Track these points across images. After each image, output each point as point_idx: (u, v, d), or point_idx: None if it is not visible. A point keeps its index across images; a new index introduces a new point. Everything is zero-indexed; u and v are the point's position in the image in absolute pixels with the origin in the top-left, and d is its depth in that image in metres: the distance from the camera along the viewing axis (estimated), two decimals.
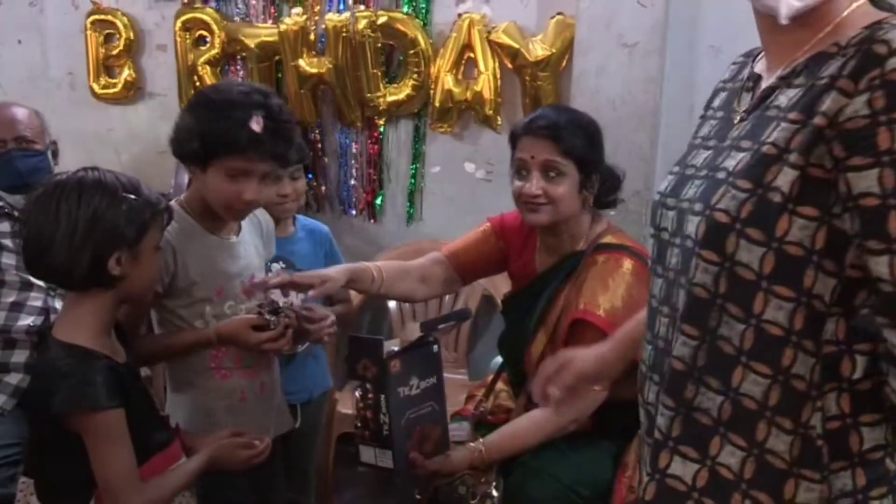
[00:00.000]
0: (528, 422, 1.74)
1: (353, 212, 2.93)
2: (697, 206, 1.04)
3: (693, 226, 1.04)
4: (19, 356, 2.02)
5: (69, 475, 1.39)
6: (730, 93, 1.15)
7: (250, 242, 1.74)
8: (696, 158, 1.11)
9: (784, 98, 1.01)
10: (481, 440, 1.74)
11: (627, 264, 1.73)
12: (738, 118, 1.08)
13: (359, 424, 1.65)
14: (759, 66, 1.10)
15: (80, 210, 1.34)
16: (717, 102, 1.18)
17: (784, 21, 1.01)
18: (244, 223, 1.73)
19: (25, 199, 1.44)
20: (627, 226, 2.44)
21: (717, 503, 1.04)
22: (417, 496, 1.80)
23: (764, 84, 1.07)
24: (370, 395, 1.61)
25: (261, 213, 1.79)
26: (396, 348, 1.67)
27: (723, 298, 1.00)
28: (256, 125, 1.51)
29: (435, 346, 1.69)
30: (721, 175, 1.03)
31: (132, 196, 1.37)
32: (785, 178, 0.95)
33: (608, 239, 1.78)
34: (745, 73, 1.14)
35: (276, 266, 1.93)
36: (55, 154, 2.18)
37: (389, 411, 1.59)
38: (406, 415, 1.62)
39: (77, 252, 1.33)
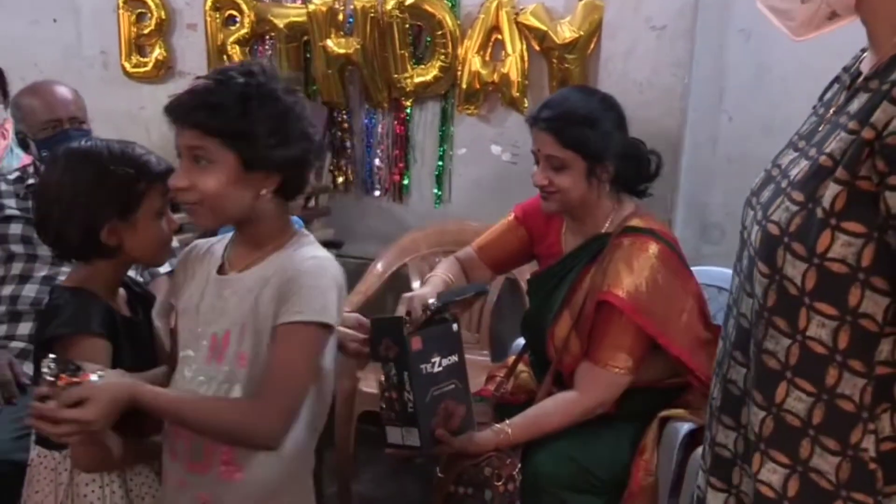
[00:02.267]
0: (554, 404, 1.75)
1: (379, 192, 2.94)
2: (759, 214, 1.01)
3: (754, 234, 1.02)
4: (24, 329, 2.07)
5: None
6: (840, 87, 1.06)
7: (253, 287, 1.32)
8: (784, 158, 1.06)
9: (857, 104, 0.95)
10: (507, 422, 1.75)
11: (653, 248, 1.73)
12: (825, 120, 1.02)
13: (384, 406, 1.65)
14: (865, 63, 1.01)
15: (68, 182, 1.35)
16: (828, 95, 1.09)
17: (797, 38, 1.02)
18: (264, 263, 1.34)
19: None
20: (652, 209, 2.45)
21: None
22: (440, 475, 1.82)
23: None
24: (394, 375, 1.62)
25: (288, 264, 1.32)
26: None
27: (769, 312, 0.98)
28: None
29: (454, 325, 1.70)
30: (784, 183, 1.00)
31: (121, 167, 1.36)
32: (829, 193, 0.91)
33: (635, 222, 1.78)
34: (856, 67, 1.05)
35: None
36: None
37: (413, 389, 1.59)
38: (430, 392, 1.62)
39: (68, 223, 1.35)
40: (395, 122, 2.85)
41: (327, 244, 2.80)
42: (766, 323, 0.98)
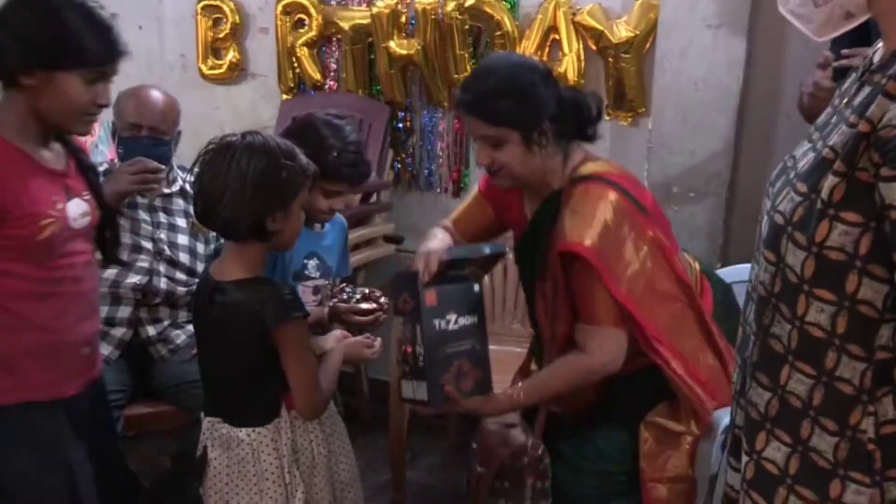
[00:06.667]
0: (562, 364, 1.71)
1: (439, 189, 3.02)
2: (769, 204, 1.05)
3: (764, 223, 1.05)
4: (124, 311, 2.22)
5: (263, 393, 1.59)
6: (855, 77, 1.07)
7: None
8: (799, 149, 1.08)
9: (860, 96, 0.97)
10: (518, 384, 1.74)
11: (599, 191, 1.66)
12: (836, 111, 1.04)
13: (400, 359, 1.67)
14: (878, 55, 1.02)
15: (248, 172, 1.49)
16: (845, 85, 1.10)
17: (819, 39, 1.05)
18: None
19: (197, 156, 1.57)
20: (707, 210, 2.45)
21: (762, 496, 1.05)
22: (480, 469, 1.84)
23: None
24: (409, 329, 1.62)
25: None
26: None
27: (776, 298, 1.01)
28: None
29: (476, 286, 1.68)
30: (792, 174, 1.03)
31: (290, 162, 1.54)
32: (827, 184, 0.93)
33: (582, 170, 1.71)
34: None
35: (311, 263, 1.93)
36: (177, 142, 2.35)
37: (424, 343, 1.60)
38: (442, 348, 1.62)
39: (243, 209, 1.50)
40: (455, 121, 2.92)
41: (388, 239, 2.91)
42: (772, 309, 1.02)
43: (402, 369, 1.66)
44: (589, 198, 1.66)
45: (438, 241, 1.82)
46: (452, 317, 1.63)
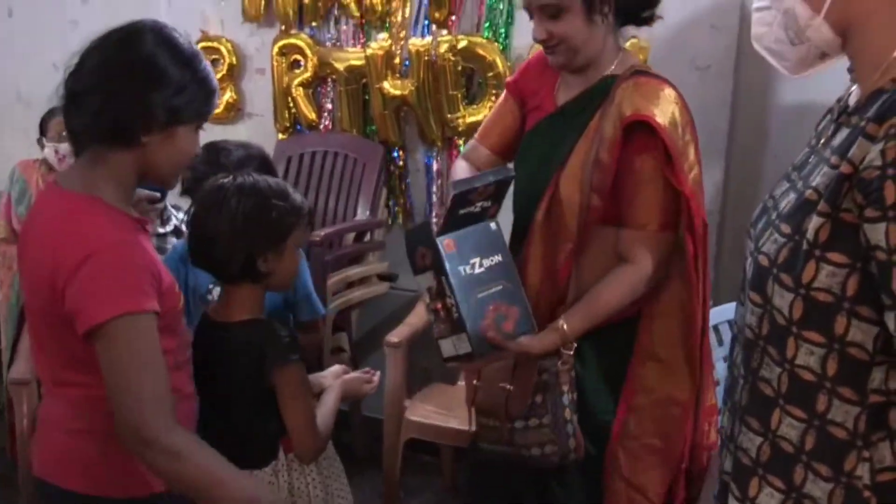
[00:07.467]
0: (612, 278, 1.59)
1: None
2: (752, 245, 1.04)
3: (748, 265, 1.04)
4: None
5: (261, 435, 1.58)
6: (830, 118, 1.07)
7: None
8: (778, 190, 1.08)
9: (839, 138, 0.98)
10: (562, 317, 1.59)
11: (671, 92, 1.58)
12: (815, 151, 1.04)
13: (433, 320, 1.57)
14: (853, 97, 1.02)
15: (237, 212, 1.50)
16: (821, 125, 1.10)
17: (793, 76, 1.05)
18: None
19: (193, 198, 1.57)
20: None
21: None
22: (508, 386, 1.65)
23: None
24: (434, 283, 1.53)
25: None
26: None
27: (764, 340, 1.00)
28: None
29: (493, 224, 1.58)
30: (774, 215, 1.03)
31: (281, 202, 1.54)
32: (812, 225, 0.93)
33: (644, 69, 1.63)
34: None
35: (216, 290, 1.80)
36: None
37: (454, 293, 1.49)
38: (474, 294, 1.51)
39: (234, 249, 1.50)
40: (449, 160, 2.95)
41: (382, 277, 2.92)
42: (760, 351, 1.01)
43: (438, 329, 1.57)
44: (659, 91, 1.57)
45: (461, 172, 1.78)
46: (476, 260, 1.53)
